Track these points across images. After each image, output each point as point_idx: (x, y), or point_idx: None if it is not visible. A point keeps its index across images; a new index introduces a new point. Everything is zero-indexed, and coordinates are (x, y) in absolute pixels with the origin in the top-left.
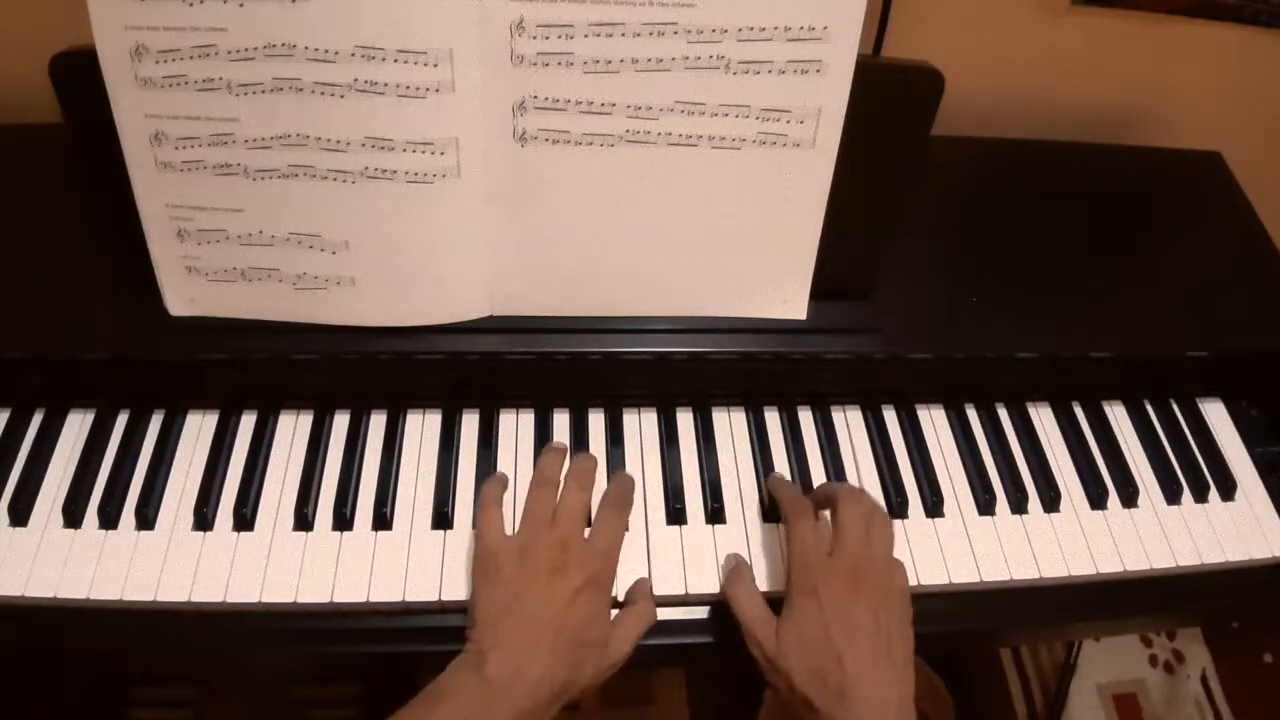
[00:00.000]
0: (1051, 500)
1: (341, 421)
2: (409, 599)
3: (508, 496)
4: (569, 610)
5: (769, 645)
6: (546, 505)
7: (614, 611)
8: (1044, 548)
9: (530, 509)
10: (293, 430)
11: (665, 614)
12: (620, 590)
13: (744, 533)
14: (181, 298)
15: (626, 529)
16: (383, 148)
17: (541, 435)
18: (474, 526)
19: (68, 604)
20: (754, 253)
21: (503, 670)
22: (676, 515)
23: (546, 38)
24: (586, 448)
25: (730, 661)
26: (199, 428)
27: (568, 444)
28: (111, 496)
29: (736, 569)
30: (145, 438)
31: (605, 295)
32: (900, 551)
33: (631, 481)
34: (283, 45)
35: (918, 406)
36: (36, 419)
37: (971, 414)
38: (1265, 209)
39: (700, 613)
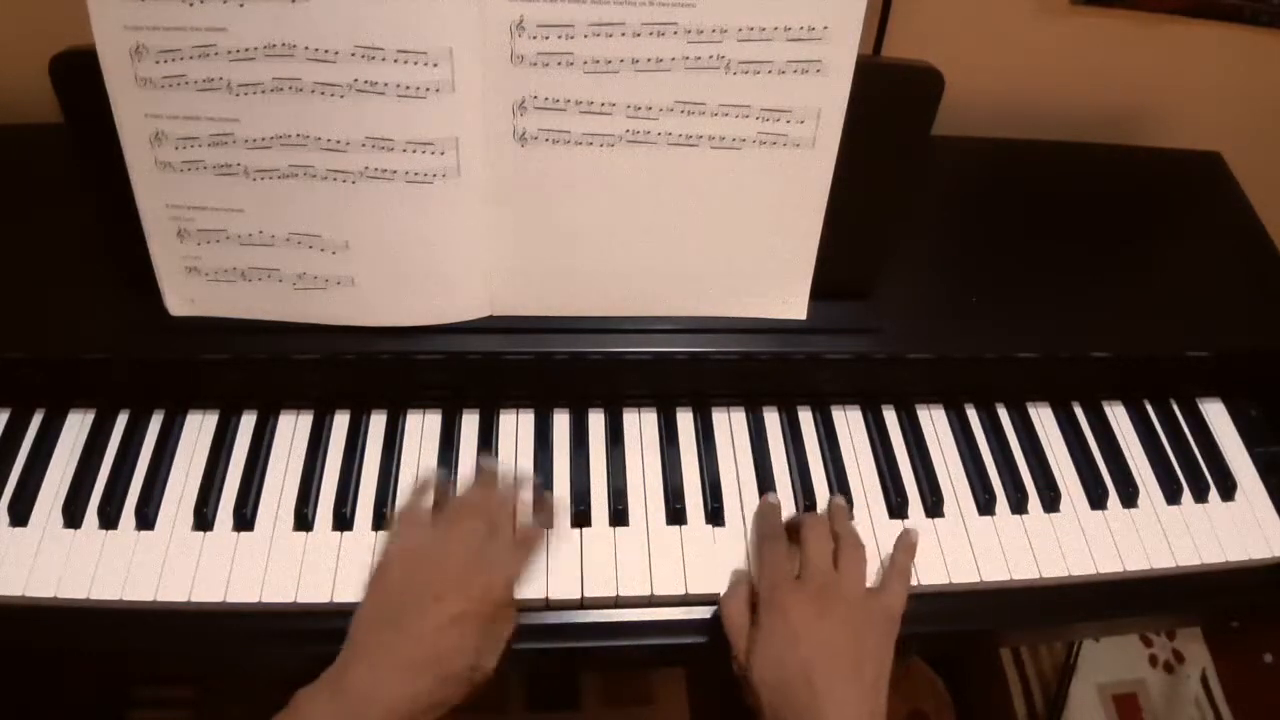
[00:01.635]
0: (1051, 500)
1: (341, 421)
2: None
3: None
4: (441, 637)
5: (742, 656)
6: (449, 533)
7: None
8: (1044, 548)
9: (434, 534)
10: (293, 430)
11: (665, 614)
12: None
13: (744, 533)
14: (181, 298)
15: (521, 574)
16: (383, 148)
17: (542, 435)
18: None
19: (68, 604)
20: (754, 253)
21: (362, 682)
22: (676, 515)
23: (546, 38)
24: (586, 448)
25: (730, 661)
26: (199, 428)
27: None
28: (111, 496)
29: (739, 582)
30: (145, 438)
31: (605, 295)
32: None
33: (543, 534)
34: (283, 45)
35: (918, 406)
36: (36, 419)
37: (971, 414)
38: (1265, 209)
39: (700, 613)
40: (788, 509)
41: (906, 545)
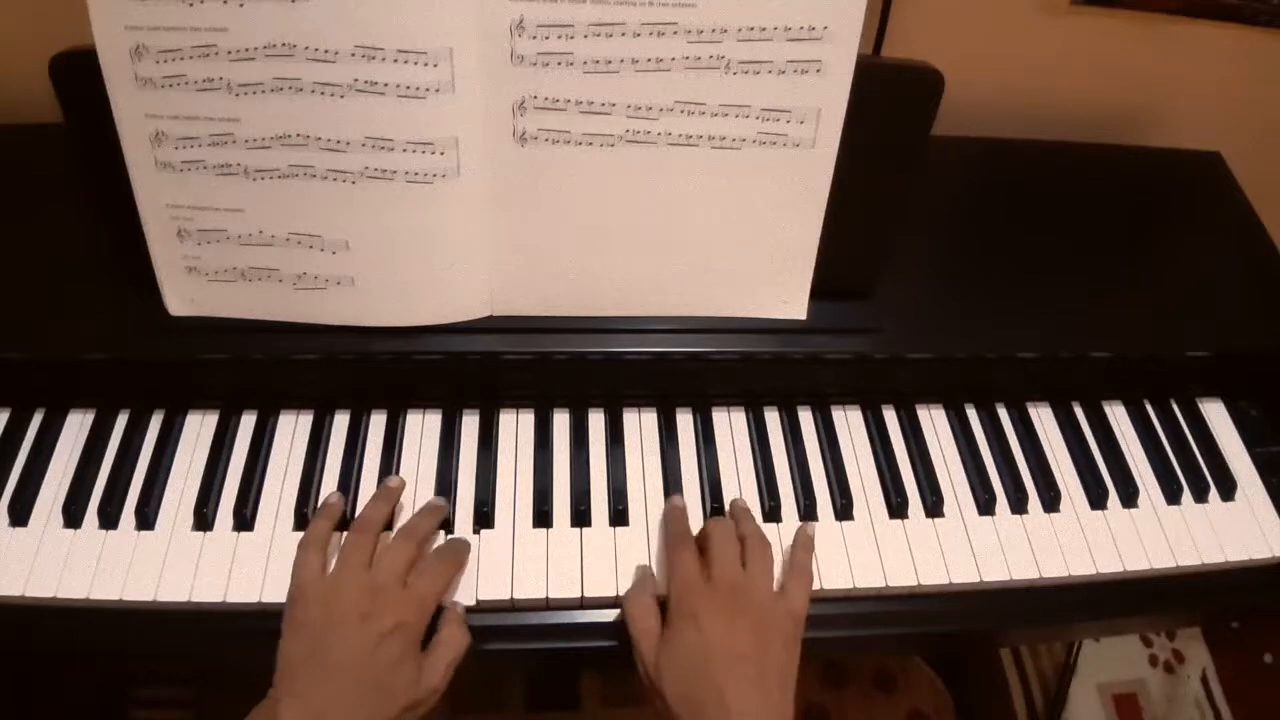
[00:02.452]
0: (1051, 500)
1: (341, 421)
2: None
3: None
4: (374, 655)
5: (650, 663)
6: (363, 551)
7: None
8: (1044, 548)
9: (345, 554)
10: (293, 430)
11: None
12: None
13: None
14: (181, 298)
15: (449, 586)
16: (383, 148)
17: (542, 435)
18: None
19: (68, 604)
20: (754, 253)
21: (297, 717)
22: None
23: (546, 38)
24: (586, 448)
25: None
26: (199, 428)
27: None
28: (111, 496)
29: (639, 581)
30: (145, 438)
31: (605, 295)
32: (900, 551)
33: (468, 546)
34: (283, 45)
35: (918, 406)
36: (36, 419)
37: (971, 414)
38: (1265, 209)
39: None
40: (789, 508)
41: (804, 541)
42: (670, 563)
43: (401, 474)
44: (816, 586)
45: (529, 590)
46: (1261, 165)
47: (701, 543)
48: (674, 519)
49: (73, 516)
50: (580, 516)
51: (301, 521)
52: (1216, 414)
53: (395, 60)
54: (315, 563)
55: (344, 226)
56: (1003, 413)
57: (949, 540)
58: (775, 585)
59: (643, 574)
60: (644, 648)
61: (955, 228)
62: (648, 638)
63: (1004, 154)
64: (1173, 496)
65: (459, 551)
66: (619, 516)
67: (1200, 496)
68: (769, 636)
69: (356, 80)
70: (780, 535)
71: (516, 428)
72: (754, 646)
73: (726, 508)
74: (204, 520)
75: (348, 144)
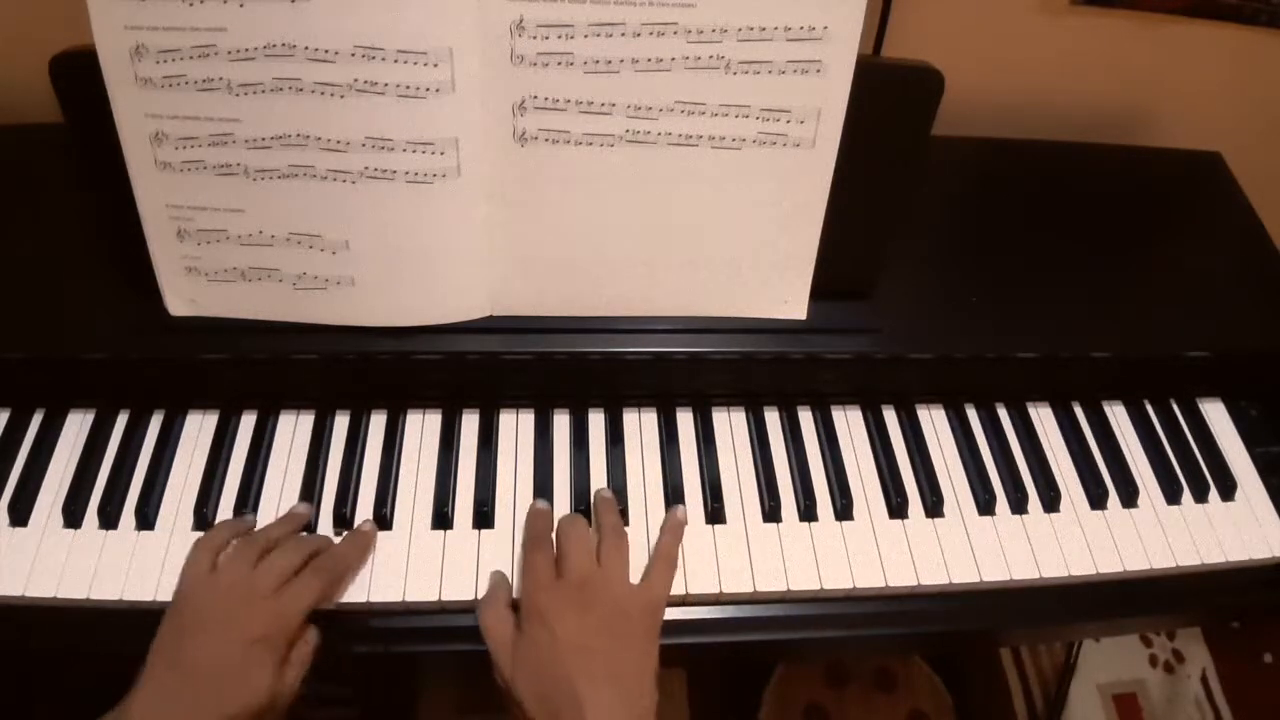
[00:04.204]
0: (1051, 500)
1: (341, 421)
2: (409, 599)
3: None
4: (232, 664)
5: (505, 670)
6: (244, 562)
7: None
8: (1044, 548)
9: (229, 561)
10: (293, 430)
11: (666, 614)
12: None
13: (744, 533)
14: (181, 298)
15: (320, 599)
16: (383, 148)
17: (542, 435)
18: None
19: (68, 604)
20: (754, 253)
21: (148, 707)
22: None
23: (546, 38)
24: (586, 448)
25: (730, 661)
26: (199, 428)
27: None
28: (111, 496)
29: (493, 589)
30: (145, 438)
31: (605, 295)
32: (900, 551)
33: (351, 561)
34: (283, 45)
35: (918, 406)
36: (36, 419)
37: (971, 414)
38: (1265, 209)
39: (700, 613)
40: (789, 509)
41: (672, 526)
42: (523, 565)
43: (401, 474)
44: (818, 586)
45: None
46: (1261, 165)
47: (559, 541)
48: (531, 521)
49: (73, 516)
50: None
51: None
52: (1216, 414)
53: (395, 60)
54: (204, 563)
55: (344, 226)
56: (1003, 413)
57: (949, 540)
58: (641, 575)
59: (495, 583)
60: (499, 656)
61: (955, 228)
62: (502, 646)
63: (1004, 154)
64: (1173, 497)
65: (336, 566)
66: (619, 516)
67: (1200, 497)
68: (622, 629)
69: (356, 80)
70: (780, 535)
71: (516, 428)
72: (606, 640)
73: (726, 508)
74: (204, 520)
75: (348, 144)
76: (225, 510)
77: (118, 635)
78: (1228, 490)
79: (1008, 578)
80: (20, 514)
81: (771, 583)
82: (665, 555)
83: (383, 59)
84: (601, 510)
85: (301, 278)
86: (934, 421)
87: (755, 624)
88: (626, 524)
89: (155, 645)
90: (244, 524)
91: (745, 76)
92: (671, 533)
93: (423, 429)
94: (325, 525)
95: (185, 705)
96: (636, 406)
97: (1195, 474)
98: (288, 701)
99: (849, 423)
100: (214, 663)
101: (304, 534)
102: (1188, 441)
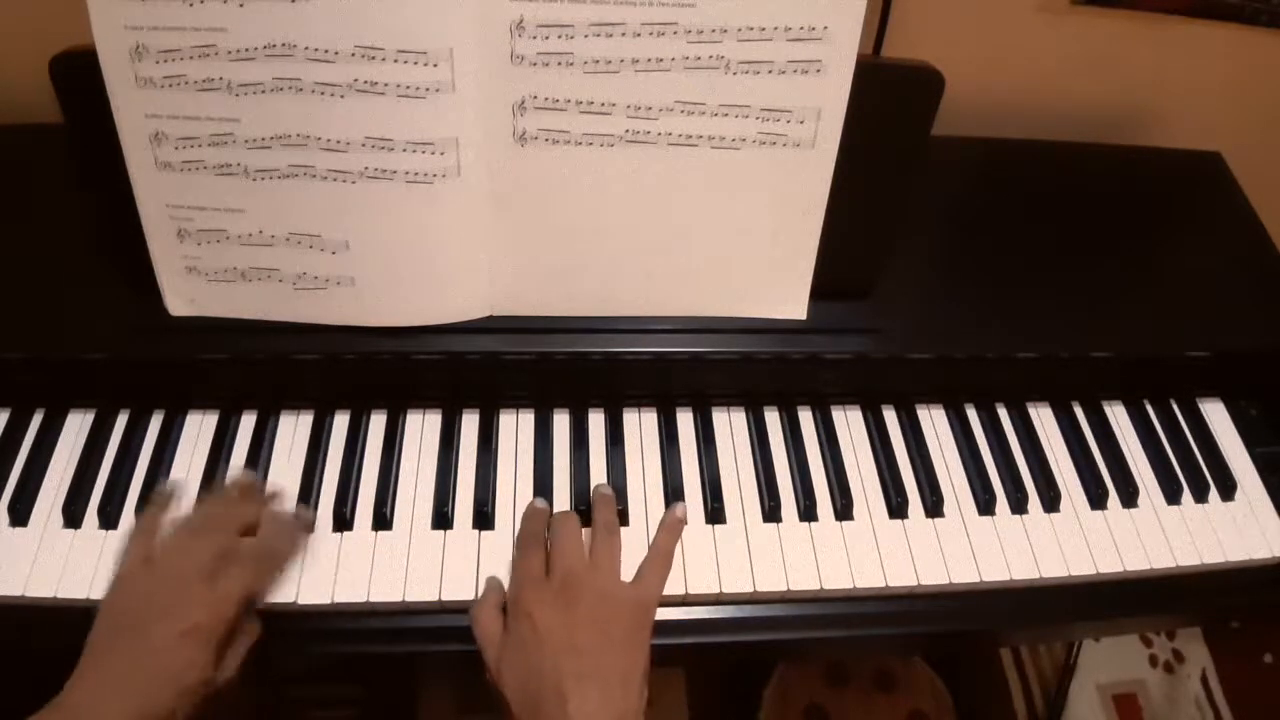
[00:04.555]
0: (1051, 500)
1: (341, 421)
2: (409, 599)
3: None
4: (169, 652)
5: (493, 668)
6: (183, 554)
7: None
8: (1044, 548)
9: (165, 550)
10: (293, 430)
11: (665, 614)
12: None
13: (744, 533)
14: (181, 298)
15: (257, 586)
16: (383, 148)
17: (542, 435)
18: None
19: (68, 604)
20: (754, 253)
21: (82, 701)
22: None
23: (546, 38)
24: (586, 448)
25: (730, 661)
26: (199, 428)
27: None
28: (111, 496)
29: (487, 589)
30: (145, 438)
31: (605, 295)
32: (900, 551)
33: (285, 556)
34: (283, 45)
35: (918, 406)
36: (36, 419)
37: (971, 414)
38: (1265, 209)
39: (700, 613)
40: (789, 509)
41: (670, 524)
42: (515, 564)
43: (401, 474)
44: (818, 586)
45: None
46: (1261, 165)
47: (550, 539)
48: (526, 520)
49: (73, 516)
50: (581, 516)
51: None
52: (1216, 414)
53: (395, 60)
54: (141, 546)
55: (344, 226)
56: (1003, 413)
57: (949, 540)
58: (634, 573)
59: (489, 583)
60: (487, 654)
61: (955, 228)
62: (490, 643)
63: (1004, 154)
64: (1173, 496)
65: (273, 553)
66: (619, 516)
67: (1200, 496)
68: (610, 627)
69: (356, 80)
70: (780, 535)
71: (516, 428)
72: (592, 637)
73: (726, 508)
74: None
75: (348, 144)
76: None
77: None
78: (1228, 490)
79: (1008, 578)
80: (20, 514)
81: (771, 583)
82: (661, 553)
83: (383, 59)
84: (597, 507)
85: (301, 278)
86: (934, 421)
87: (755, 624)
88: (626, 524)
89: (91, 638)
90: (166, 499)
91: (745, 76)
92: (669, 530)
93: (423, 429)
94: (324, 526)
95: (122, 697)
96: (636, 406)
97: (1195, 474)
98: (231, 690)
99: (849, 423)
100: (150, 654)
101: (243, 502)
102: (1188, 441)
